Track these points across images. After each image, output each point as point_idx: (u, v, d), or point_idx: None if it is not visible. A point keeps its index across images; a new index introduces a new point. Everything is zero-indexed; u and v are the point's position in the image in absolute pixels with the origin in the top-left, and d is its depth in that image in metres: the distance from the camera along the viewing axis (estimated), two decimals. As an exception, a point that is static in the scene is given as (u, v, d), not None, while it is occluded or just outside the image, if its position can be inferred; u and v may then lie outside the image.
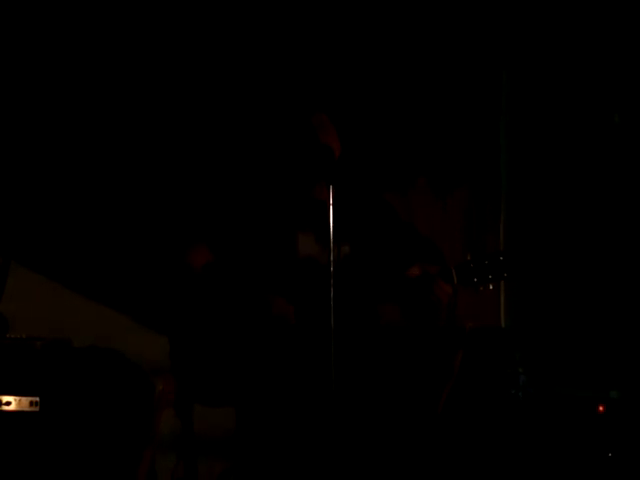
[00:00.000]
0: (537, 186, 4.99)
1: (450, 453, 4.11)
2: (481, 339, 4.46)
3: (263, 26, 4.99)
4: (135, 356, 4.34)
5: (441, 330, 4.44)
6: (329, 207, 2.96)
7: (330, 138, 3.32)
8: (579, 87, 4.95)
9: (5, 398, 4.07)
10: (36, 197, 4.97)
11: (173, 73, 4.95)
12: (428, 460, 4.05)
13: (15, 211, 4.93)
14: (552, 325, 4.79)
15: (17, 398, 4.08)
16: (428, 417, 4.15)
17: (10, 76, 4.93)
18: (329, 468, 2.91)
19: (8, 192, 4.93)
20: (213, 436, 4.11)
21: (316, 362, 3.19)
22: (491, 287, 3.16)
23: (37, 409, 4.07)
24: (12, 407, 4.07)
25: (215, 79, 4.97)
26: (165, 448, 4.40)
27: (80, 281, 4.95)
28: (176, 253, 3.34)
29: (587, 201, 4.84)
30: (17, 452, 4.03)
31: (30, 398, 4.07)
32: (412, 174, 5.03)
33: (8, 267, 4.64)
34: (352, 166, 3.46)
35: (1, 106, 4.91)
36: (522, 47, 5.00)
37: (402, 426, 4.03)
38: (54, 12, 4.95)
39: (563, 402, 4.15)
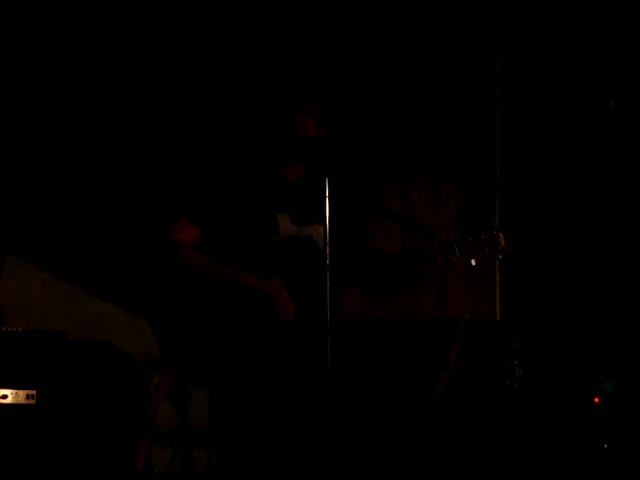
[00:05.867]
0: (532, 176, 5.00)
1: (446, 445, 4.12)
2: (477, 331, 4.48)
3: (261, 16, 5.00)
4: (131, 349, 4.35)
5: (437, 323, 4.47)
6: (325, 199, 2.97)
7: (306, 120, 3.33)
8: (574, 76, 4.95)
9: (2, 391, 4.08)
10: (29, 190, 4.98)
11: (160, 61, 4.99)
12: (424, 451, 4.07)
13: (9, 204, 4.94)
14: (547, 317, 4.80)
15: (14, 391, 4.08)
16: (424, 409, 4.16)
17: (10, 76, 4.94)
18: (324, 459, 2.91)
19: (2, 186, 4.94)
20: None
21: (309, 352, 3.19)
22: (486, 259, 3.24)
23: (34, 402, 4.08)
24: (9, 400, 4.08)
25: (201, 67, 5.01)
26: (162, 440, 4.42)
27: (76, 274, 4.95)
28: (161, 227, 3.33)
29: (582, 192, 4.85)
30: (14, 445, 4.04)
31: (27, 391, 4.08)
32: (407, 164, 5.03)
33: (3, 260, 4.64)
34: (344, 155, 3.47)
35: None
36: (516, 37, 4.99)
37: (398, 417, 4.05)
38: (54, 12, 4.95)
39: (558, 394, 4.16)
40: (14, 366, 4.12)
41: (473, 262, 3.24)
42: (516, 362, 4.19)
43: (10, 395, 4.08)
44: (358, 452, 3.30)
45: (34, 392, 4.08)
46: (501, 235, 3.23)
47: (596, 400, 4.07)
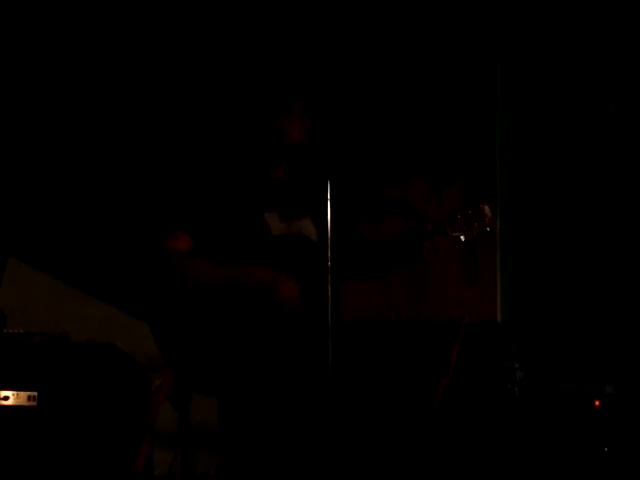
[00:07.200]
0: (532, 179, 5.00)
1: (446, 448, 4.12)
2: (477, 334, 4.48)
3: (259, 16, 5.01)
4: (132, 351, 4.34)
5: (438, 325, 4.47)
6: (327, 202, 2.98)
7: (292, 123, 3.33)
8: (574, 80, 4.96)
9: (3, 393, 4.08)
10: (31, 193, 4.99)
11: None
12: (424, 454, 4.07)
13: (11, 206, 4.94)
14: (548, 319, 4.80)
15: (15, 393, 4.08)
16: (424, 412, 4.17)
17: (10, 76, 4.95)
18: (324, 460, 2.92)
19: (4, 188, 4.94)
20: (211, 429, 4.12)
21: (311, 353, 3.20)
22: (475, 234, 3.35)
23: (35, 404, 4.08)
24: (10, 402, 4.08)
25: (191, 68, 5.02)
26: (163, 441, 4.42)
27: (78, 276, 4.96)
28: (156, 240, 3.36)
29: (583, 195, 4.85)
30: (15, 447, 4.04)
31: (28, 393, 4.08)
32: (409, 167, 5.04)
33: (5, 262, 4.65)
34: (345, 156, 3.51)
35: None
36: (517, 41, 5.00)
37: (398, 420, 4.05)
38: (54, 12, 4.96)
39: (559, 397, 4.16)
40: (15, 367, 4.12)
41: (462, 238, 3.31)
42: (517, 365, 4.19)
43: (11, 396, 4.08)
44: (359, 455, 3.31)
45: (35, 394, 4.08)
46: (487, 207, 3.33)
47: (597, 403, 4.07)
